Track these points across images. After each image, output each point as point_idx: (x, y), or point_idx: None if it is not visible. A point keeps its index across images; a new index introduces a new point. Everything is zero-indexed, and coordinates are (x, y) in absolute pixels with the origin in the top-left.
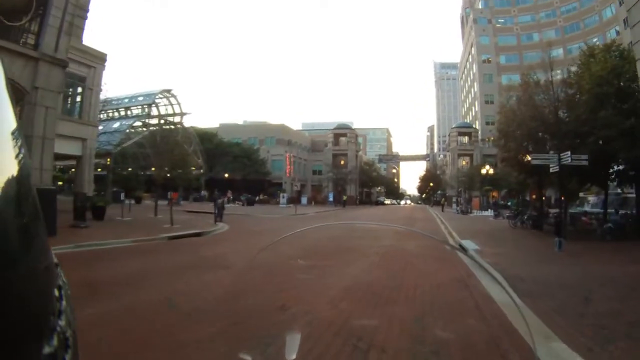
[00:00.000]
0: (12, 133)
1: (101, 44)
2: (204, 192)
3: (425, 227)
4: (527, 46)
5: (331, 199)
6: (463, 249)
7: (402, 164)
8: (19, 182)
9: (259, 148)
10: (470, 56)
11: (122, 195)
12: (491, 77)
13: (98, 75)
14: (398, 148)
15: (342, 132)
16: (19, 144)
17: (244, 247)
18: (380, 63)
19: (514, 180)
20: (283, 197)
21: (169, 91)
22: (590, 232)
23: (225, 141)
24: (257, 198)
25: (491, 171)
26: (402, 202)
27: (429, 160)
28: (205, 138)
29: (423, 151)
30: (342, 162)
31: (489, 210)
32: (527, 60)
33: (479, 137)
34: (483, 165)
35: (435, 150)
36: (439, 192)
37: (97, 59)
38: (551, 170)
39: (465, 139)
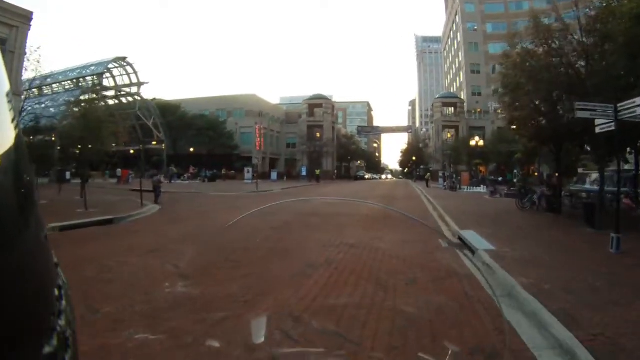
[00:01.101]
0: (7, 95)
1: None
2: (172, 168)
3: (408, 207)
4: (516, 14)
5: (304, 173)
6: (467, 247)
7: (384, 138)
8: (14, 172)
9: (226, 120)
10: (454, 25)
11: (68, 175)
12: (477, 46)
13: (22, 37)
14: (379, 122)
15: (317, 102)
16: (17, 132)
17: (153, 241)
18: (360, 37)
19: (523, 149)
20: (248, 172)
21: (123, 59)
22: (634, 218)
23: (191, 114)
24: (221, 173)
25: (481, 143)
26: (383, 176)
27: (411, 132)
28: (168, 111)
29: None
30: (318, 135)
31: (481, 186)
32: (515, 30)
33: (465, 109)
34: (472, 137)
35: (417, 124)
36: (422, 166)
37: (20, 18)
38: (599, 129)
39: (450, 110)
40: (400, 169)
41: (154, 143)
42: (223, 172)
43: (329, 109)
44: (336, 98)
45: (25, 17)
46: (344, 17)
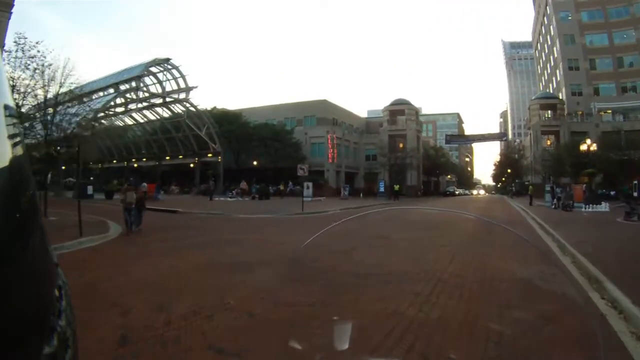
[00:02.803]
0: (12, 126)
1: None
2: (212, 182)
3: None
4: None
5: (382, 189)
6: None
7: (476, 151)
8: (14, 171)
9: (293, 129)
10: (545, 18)
11: (90, 189)
12: (573, 38)
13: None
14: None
15: (399, 108)
16: (15, 126)
17: None
18: (447, 46)
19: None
20: (308, 188)
21: (166, 61)
22: None
23: (255, 124)
24: (276, 188)
25: (594, 147)
26: (475, 191)
27: (505, 140)
28: (226, 120)
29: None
30: (401, 145)
31: (602, 203)
32: (614, 18)
33: (565, 111)
34: (581, 142)
35: (510, 136)
36: (517, 180)
37: None
38: None
39: (549, 114)
40: (494, 183)
41: (209, 155)
42: (281, 187)
43: (412, 115)
44: (425, 110)
45: (4, 4)
46: (430, 26)
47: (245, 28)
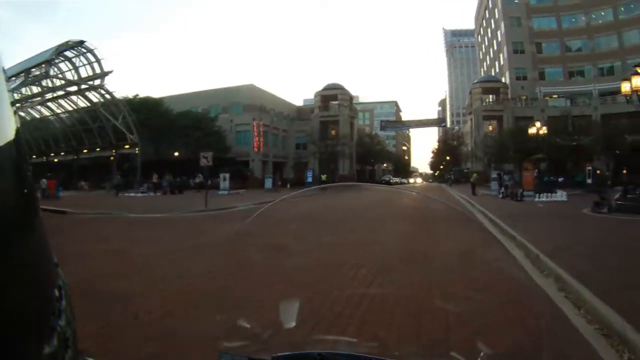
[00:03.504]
0: (11, 122)
1: None
2: (117, 177)
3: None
4: None
5: (310, 179)
6: None
7: (414, 140)
8: (14, 171)
9: (217, 116)
10: (489, 2)
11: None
12: (519, 21)
13: None
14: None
15: (331, 93)
16: (17, 132)
17: None
18: (386, 34)
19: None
20: (224, 180)
21: (80, 44)
22: None
23: (177, 112)
24: (193, 181)
25: (544, 130)
26: (412, 180)
27: (444, 126)
28: (146, 108)
29: (434, 128)
30: (333, 132)
31: (558, 192)
32: (563, 1)
33: (509, 95)
34: (532, 124)
35: (449, 124)
36: (454, 168)
37: None
38: None
39: (491, 98)
40: (432, 171)
41: (126, 147)
42: (197, 180)
43: (345, 100)
44: (362, 99)
45: None
46: (368, 15)
47: (175, 13)
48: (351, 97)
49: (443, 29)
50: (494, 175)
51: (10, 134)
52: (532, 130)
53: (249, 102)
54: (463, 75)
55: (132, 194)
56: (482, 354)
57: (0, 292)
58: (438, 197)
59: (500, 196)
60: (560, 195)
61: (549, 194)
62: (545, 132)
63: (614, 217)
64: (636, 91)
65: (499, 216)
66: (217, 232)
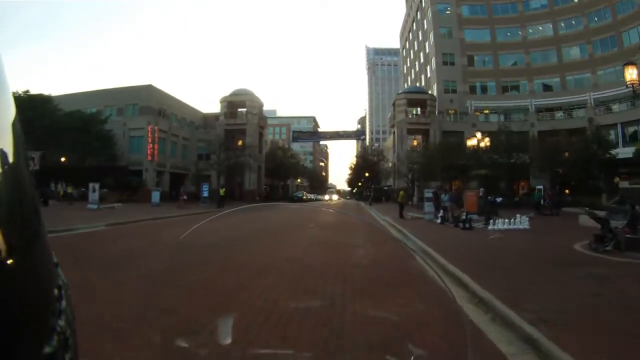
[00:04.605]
0: (13, 124)
1: None
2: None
3: None
4: None
5: (205, 194)
6: None
7: (332, 156)
8: (19, 175)
9: (106, 119)
10: (418, 13)
11: None
12: (450, 32)
13: None
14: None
15: (238, 99)
16: (18, 134)
17: None
18: (306, 49)
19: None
20: (94, 192)
21: None
22: None
23: (64, 112)
24: (65, 192)
25: (487, 142)
26: (327, 197)
27: (362, 139)
28: (31, 107)
29: (353, 145)
30: (240, 142)
31: (516, 216)
32: (499, 14)
33: (436, 108)
34: (472, 135)
35: (367, 142)
36: (373, 185)
37: None
38: None
39: (416, 110)
40: (349, 188)
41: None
42: (68, 190)
43: (254, 107)
44: (280, 113)
45: None
46: (291, 29)
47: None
48: (260, 105)
49: (366, 46)
50: (427, 193)
51: (11, 136)
52: (471, 142)
53: (146, 103)
54: (384, 93)
55: None
56: None
57: (0, 292)
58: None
59: (439, 221)
60: (520, 222)
61: (503, 220)
62: (488, 144)
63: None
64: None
65: (461, 263)
66: None
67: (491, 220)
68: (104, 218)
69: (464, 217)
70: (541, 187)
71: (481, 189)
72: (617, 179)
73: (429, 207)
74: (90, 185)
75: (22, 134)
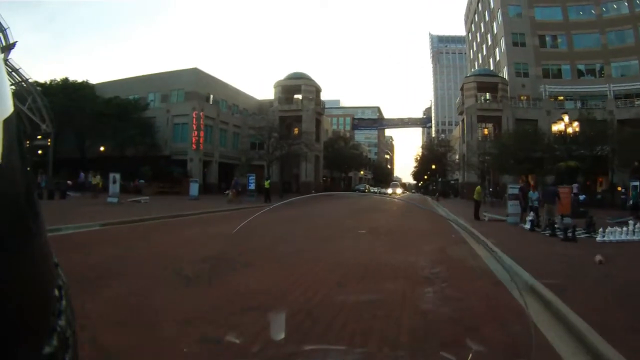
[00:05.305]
0: (6, 120)
1: None
2: (82, 175)
3: None
4: None
5: (251, 186)
6: None
7: (398, 149)
8: (11, 173)
9: (146, 105)
10: None
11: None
12: (519, 11)
13: None
14: (391, 132)
15: (294, 83)
16: (12, 131)
17: None
18: (369, 39)
19: None
20: (114, 182)
21: None
22: None
23: (103, 99)
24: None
25: (575, 126)
26: (390, 190)
27: (429, 127)
28: (71, 94)
29: (419, 136)
30: (296, 130)
31: (626, 223)
32: None
33: (508, 93)
34: (558, 119)
35: (433, 134)
36: (440, 179)
37: None
38: None
39: (486, 96)
40: (415, 182)
41: (38, 138)
42: (92, 181)
43: (311, 92)
44: (344, 103)
45: None
46: (353, 19)
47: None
48: (318, 90)
49: (430, 34)
50: (512, 189)
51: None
52: (558, 127)
53: (192, 89)
54: (449, 82)
55: None
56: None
57: (0, 292)
58: None
59: (527, 226)
60: (635, 230)
61: (614, 227)
62: (577, 129)
63: None
64: None
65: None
66: None
67: (589, 227)
68: (112, 215)
69: (558, 221)
70: (637, 183)
71: (575, 185)
72: None
73: (513, 207)
74: (111, 175)
75: (18, 131)
